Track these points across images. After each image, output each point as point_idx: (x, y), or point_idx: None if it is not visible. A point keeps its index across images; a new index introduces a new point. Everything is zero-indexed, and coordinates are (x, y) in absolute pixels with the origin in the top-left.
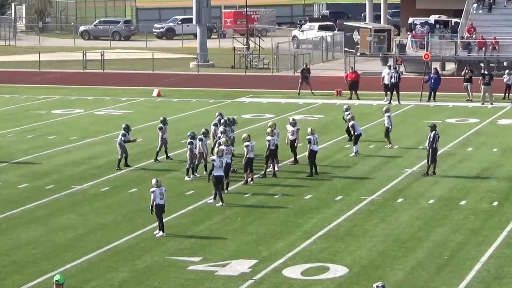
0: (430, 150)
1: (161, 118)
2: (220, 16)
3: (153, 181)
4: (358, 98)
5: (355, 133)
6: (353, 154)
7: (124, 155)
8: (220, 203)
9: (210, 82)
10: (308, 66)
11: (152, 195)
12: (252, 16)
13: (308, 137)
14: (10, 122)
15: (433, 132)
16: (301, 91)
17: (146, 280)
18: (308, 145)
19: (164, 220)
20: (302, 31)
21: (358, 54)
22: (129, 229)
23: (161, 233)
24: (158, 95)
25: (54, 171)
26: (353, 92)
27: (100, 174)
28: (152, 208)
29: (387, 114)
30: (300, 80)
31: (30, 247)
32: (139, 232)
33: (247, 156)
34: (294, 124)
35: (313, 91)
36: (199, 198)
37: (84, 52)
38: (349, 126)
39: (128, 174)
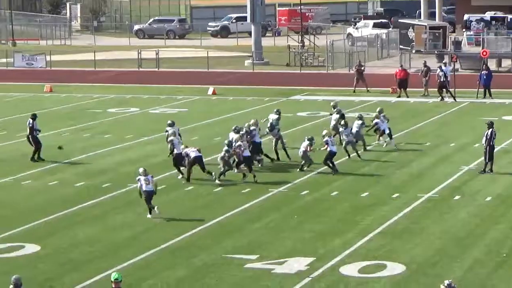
0: (487, 148)
1: (169, 122)
2: (275, 14)
3: (140, 170)
4: (407, 96)
5: (380, 129)
6: (393, 146)
7: (226, 168)
8: (216, 179)
9: (265, 80)
10: (361, 63)
11: (138, 182)
12: (307, 14)
13: (325, 139)
14: (66, 121)
15: (490, 129)
16: (356, 88)
17: (203, 278)
18: (326, 146)
19: (220, 218)
20: (357, 28)
21: (413, 51)
22: (186, 227)
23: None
24: (213, 93)
25: (110, 169)
26: (402, 89)
27: (156, 172)
28: (141, 194)
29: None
30: (355, 78)
31: (87, 245)
32: (196, 230)
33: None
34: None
35: (368, 88)
36: (256, 196)
37: (139, 51)
38: (373, 124)
39: (184, 172)
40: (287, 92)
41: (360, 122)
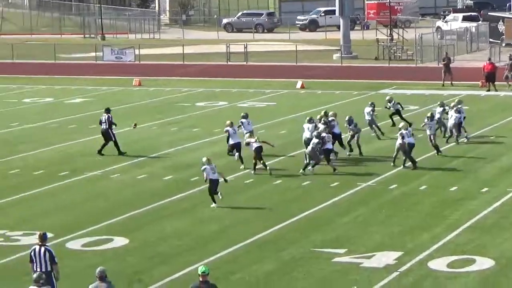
0: None
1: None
2: (363, 7)
3: (204, 159)
4: (496, 90)
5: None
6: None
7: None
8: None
9: (354, 74)
10: (449, 56)
11: (204, 172)
12: (395, 7)
13: (401, 131)
14: (154, 115)
15: None
16: (445, 82)
17: (291, 272)
18: (402, 139)
19: (308, 212)
20: (446, 22)
21: (503, 44)
22: (274, 220)
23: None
24: (302, 87)
25: (198, 163)
26: (490, 83)
27: (244, 166)
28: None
29: (458, 106)
30: (443, 71)
31: (176, 239)
32: (284, 223)
33: None
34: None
35: (453, 82)
36: (344, 190)
37: (228, 45)
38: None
39: (271, 166)
40: (375, 85)
41: (459, 115)
